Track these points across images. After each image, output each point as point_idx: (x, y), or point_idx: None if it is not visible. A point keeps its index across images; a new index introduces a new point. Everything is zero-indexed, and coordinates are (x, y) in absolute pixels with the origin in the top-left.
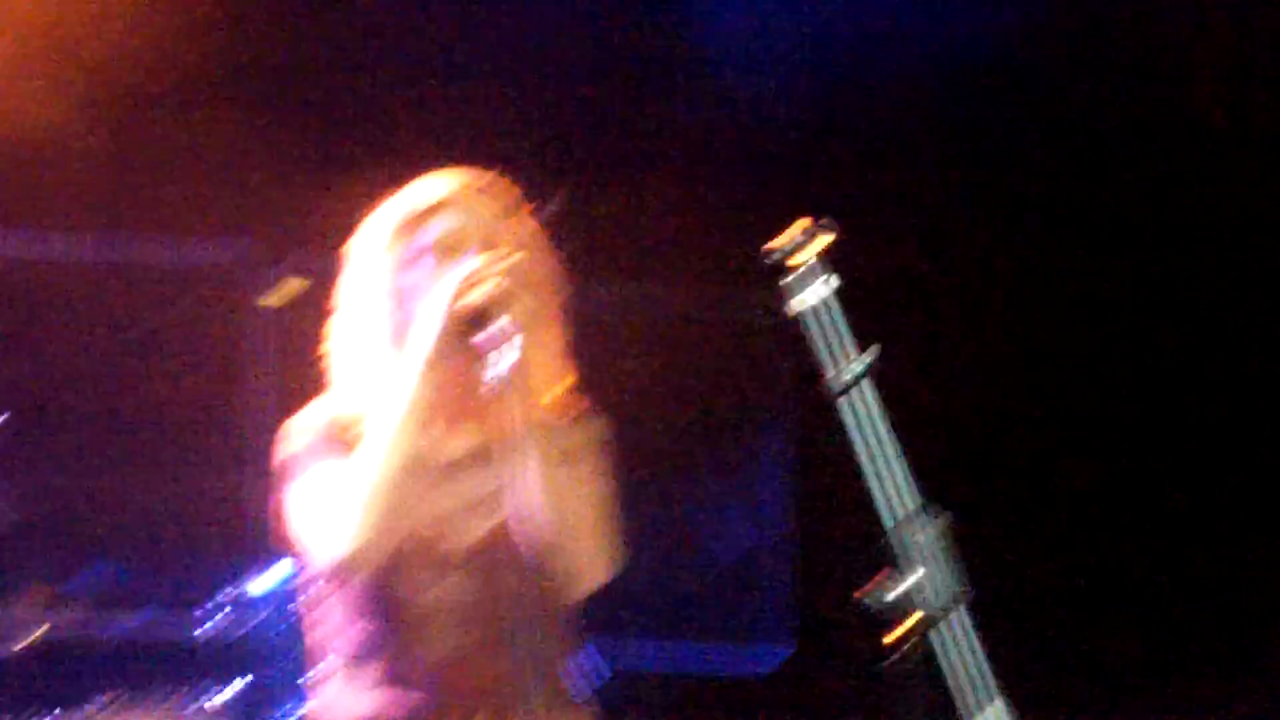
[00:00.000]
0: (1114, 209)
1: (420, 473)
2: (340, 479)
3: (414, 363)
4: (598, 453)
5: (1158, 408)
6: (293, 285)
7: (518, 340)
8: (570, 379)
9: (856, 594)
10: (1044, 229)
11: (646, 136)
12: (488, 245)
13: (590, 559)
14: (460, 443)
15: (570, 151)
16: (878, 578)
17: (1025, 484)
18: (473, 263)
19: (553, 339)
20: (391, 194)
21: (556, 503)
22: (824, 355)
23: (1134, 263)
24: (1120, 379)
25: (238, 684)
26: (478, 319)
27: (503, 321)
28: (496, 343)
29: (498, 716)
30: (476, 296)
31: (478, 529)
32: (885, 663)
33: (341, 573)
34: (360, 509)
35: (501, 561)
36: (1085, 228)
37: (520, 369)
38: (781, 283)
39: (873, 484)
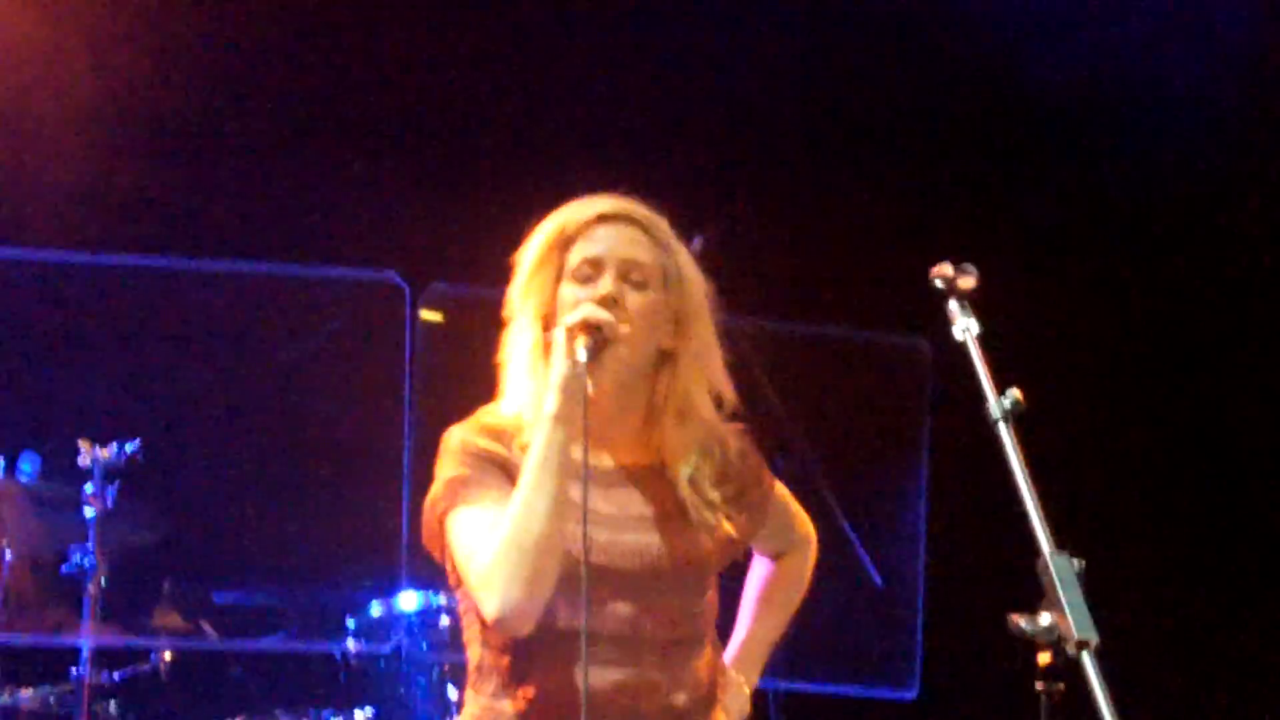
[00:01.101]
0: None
1: (566, 508)
2: (494, 521)
3: (551, 384)
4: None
5: None
6: (436, 312)
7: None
8: (726, 403)
9: (1011, 616)
10: (1187, 273)
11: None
12: (625, 271)
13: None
14: (610, 463)
15: (717, 181)
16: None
17: (1152, 533)
18: (600, 288)
19: (702, 365)
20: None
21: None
22: (981, 386)
23: None
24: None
25: (373, 707)
26: (590, 346)
27: (610, 349)
28: (601, 367)
29: None
30: (590, 321)
31: (632, 549)
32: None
33: (501, 628)
34: (513, 565)
35: (657, 583)
36: (1230, 271)
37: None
38: (950, 310)
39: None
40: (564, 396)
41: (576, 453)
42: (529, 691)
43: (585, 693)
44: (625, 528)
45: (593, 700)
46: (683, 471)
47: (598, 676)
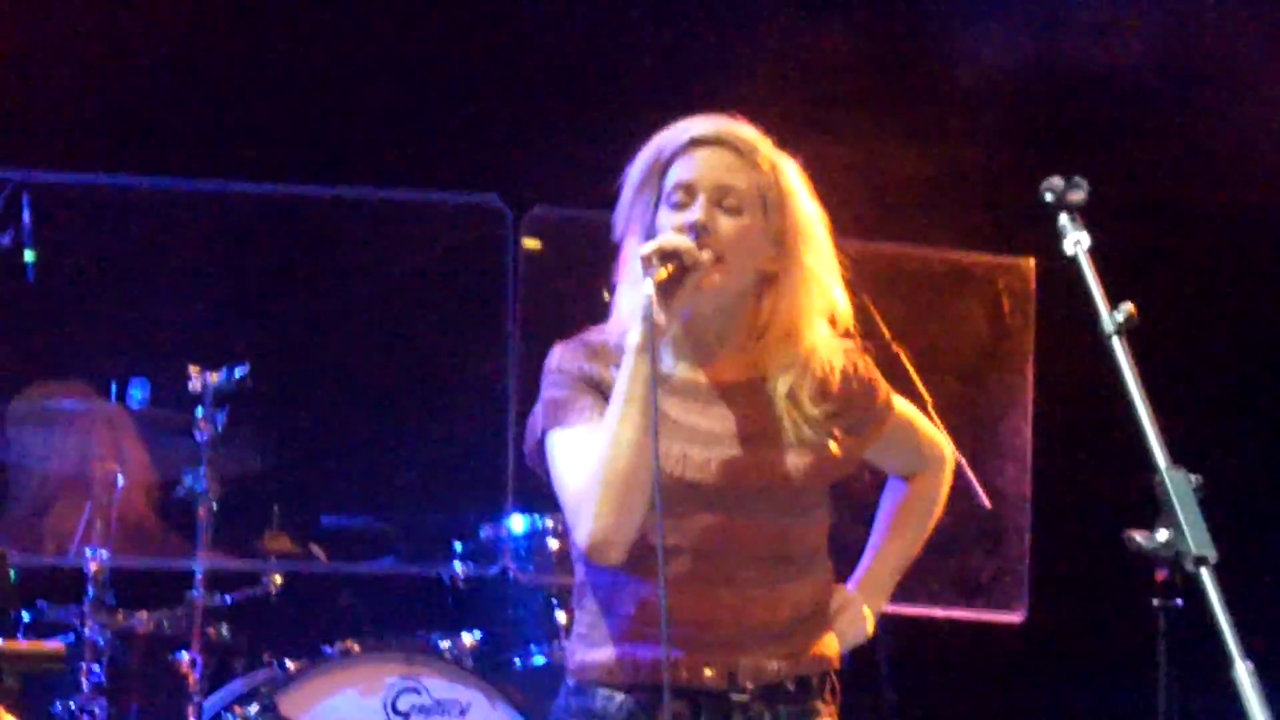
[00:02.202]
0: None
1: (662, 425)
2: (585, 447)
3: (634, 314)
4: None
5: None
6: (536, 240)
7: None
8: (840, 323)
9: (1125, 532)
10: None
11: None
12: (718, 197)
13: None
14: (708, 379)
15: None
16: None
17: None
18: (690, 215)
19: (807, 286)
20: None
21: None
22: (1092, 301)
23: None
24: None
25: (480, 630)
26: (665, 276)
27: (692, 275)
28: (692, 291)
29: (730, 665)
30: (666, 249)
31: (725, 465)
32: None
33: (592, 557)
34: (600, 498)
35: (752, 500)
36: None
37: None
38: (1060, 224)
39: (1144, 430)
40: (646, 326)
41: (677, 369)
42: (627, 607)
43: (664, 612)
44: (719, 444)
45: (688, 616)
46: (780, 388)
47: (692, 593)
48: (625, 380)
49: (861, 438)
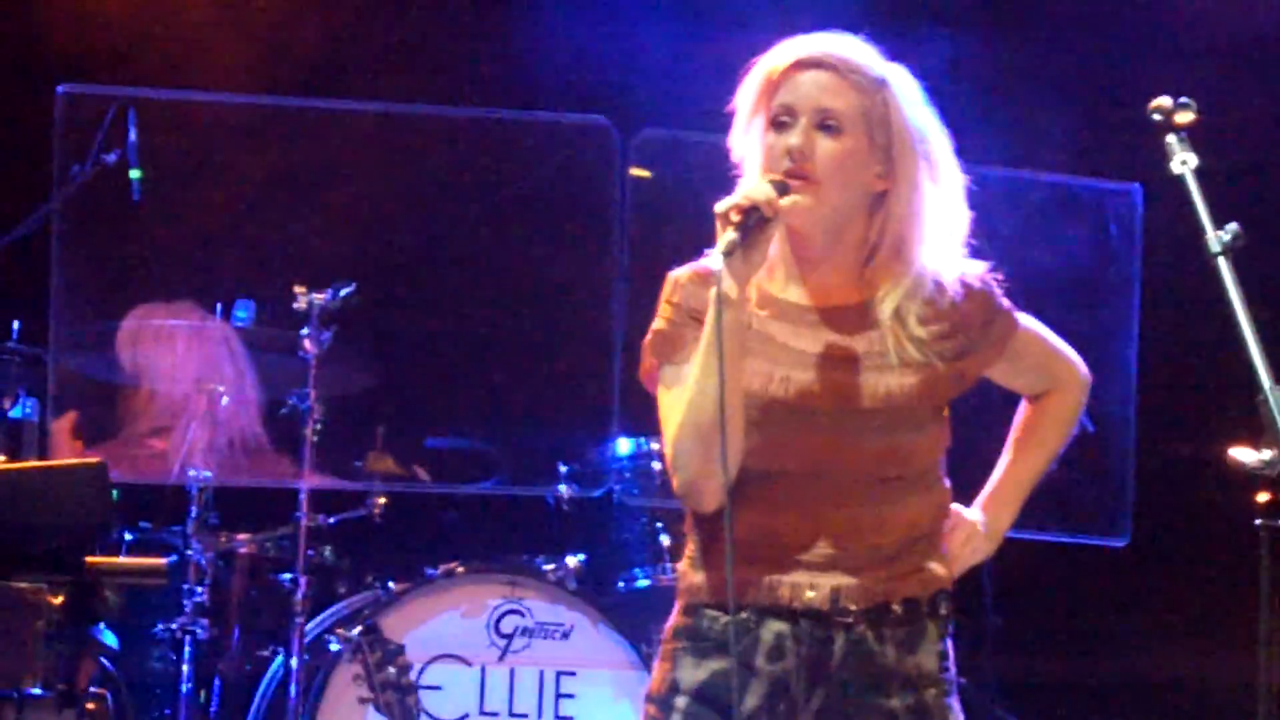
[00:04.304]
0: None
1: (766, 347)
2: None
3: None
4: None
5: None
6: (644, 169)
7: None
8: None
9: (1230, 451)
10: None
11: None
12: (819, 119)
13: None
14: (812, 301)
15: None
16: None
17: None
18: (789, 139)
19: (917, 205)
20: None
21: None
22: (1200, 221)
23: None
24: None
25: (583, 553)
26: (740, 232)
27: (769, 224)
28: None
29: (849, 585)
30: (743, 205)
31: (827, 387)
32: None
33: (688, 504)
34: (688, 448)
35: (854, 421)
36: None
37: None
38: (1168, 144)
39: (1248, 350)
40: (732, 277)
41: (787, 291)
42: (734, 530)
43: (730, 541)
44: (823, 366)
45: (790, 538)
46: (885, 308)
47: (795, 515)
48: (709, 331)
49: (978, 358)
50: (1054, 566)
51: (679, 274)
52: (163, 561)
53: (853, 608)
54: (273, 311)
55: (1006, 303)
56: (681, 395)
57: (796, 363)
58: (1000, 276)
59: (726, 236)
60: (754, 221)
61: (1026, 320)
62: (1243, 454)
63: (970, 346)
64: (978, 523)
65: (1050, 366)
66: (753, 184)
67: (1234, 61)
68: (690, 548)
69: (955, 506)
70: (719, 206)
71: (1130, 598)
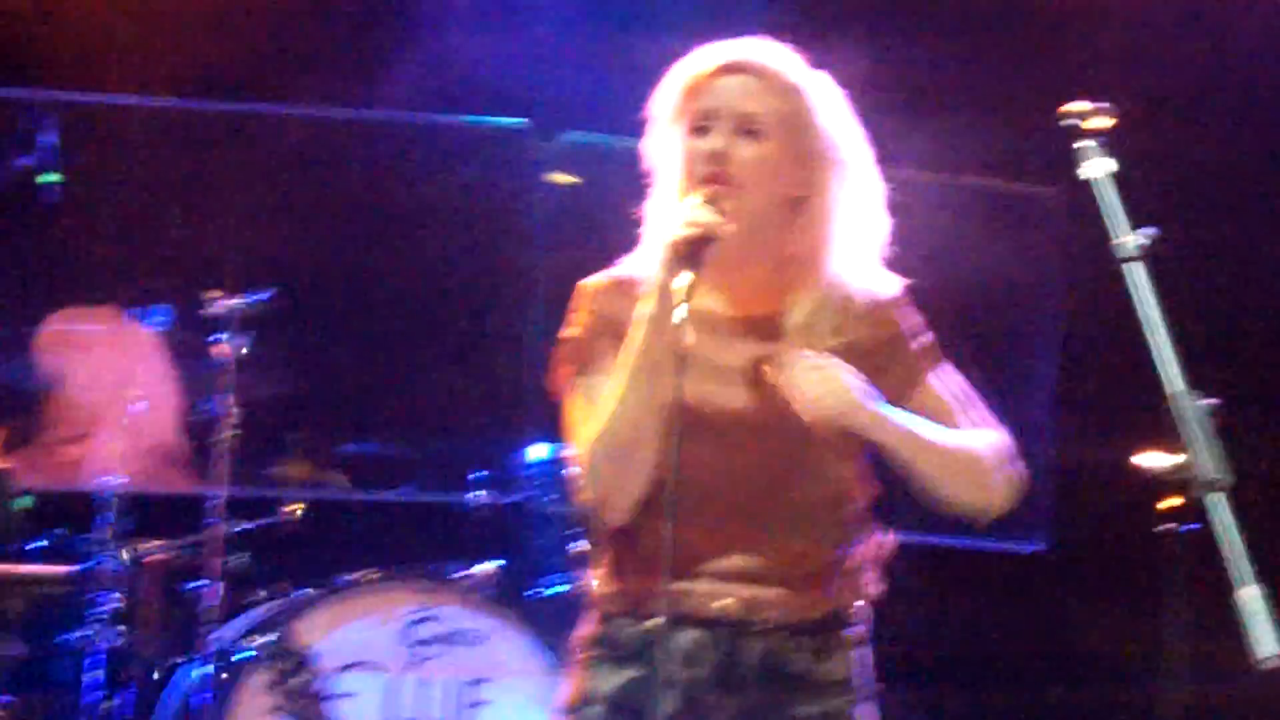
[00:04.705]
0: None
1: (648, 416)
2: (598, 404)
3: (651, 286)
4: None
5: None
6: (566, 174)
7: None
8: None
9: (1136, 457)
10: None
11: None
12: (740, 124)
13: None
14: (729, 311)
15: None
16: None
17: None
18: (709, 143)
19: (836, 212)
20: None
21: (943, 464)
22: (1110, 225)
23: None
24: None
25: (500, 559)
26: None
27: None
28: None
29: (758, 597)
30: (689, 231)
31: (735, 404)
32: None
33: (596, 516)
34: (600, 464)
35: (759, 436)
36: None
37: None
38: (1079, 149)
39: (1158, 355)
40: (660, 298)
41: (697, 298)
42: (645, 539)
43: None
44: (732, 377)
45: (705, 549)
46: (794, 317)
47: (708, 527)
48: (632, 353)
49: (887, 379)
50: (974, 572)
51: (594, 282)
52: (66, 571)
53: (764, 618)
54: (190, 317)
55: (917, 343)
56: (598, 410)
57: (709, 373)
58: (918, 286)
59: (683, 276)
60: (696, 245)
61: (940, 377)
62: (1150, 459)
63: (884, 365)
64: (849, 378)
65: (970, 422)
66: (694, 211)
67: (1154, 65)
68: (602, 556)
69: None
70: (664, 239)
71: (1050, 603)
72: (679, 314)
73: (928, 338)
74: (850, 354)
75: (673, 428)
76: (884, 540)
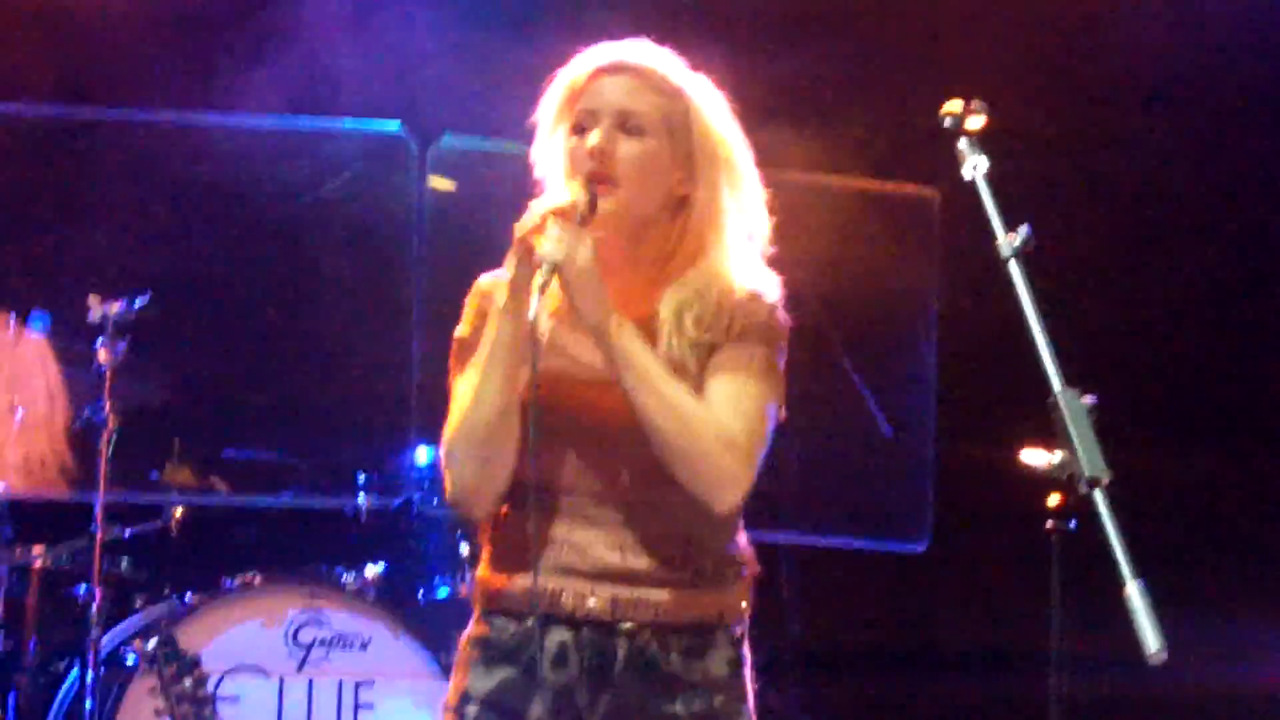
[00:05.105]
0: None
1: (513, 396)
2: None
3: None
4: (752, 358)
5: None
6: (445, 180)
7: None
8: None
9: (1019, 451)
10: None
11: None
12: (620, 121)
13: (713, 482)
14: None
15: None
16: (1028, 449)
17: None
18: (589, 140)
19: (717, 210)
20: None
21: (669, 422)
22: (991, 224)
23: None
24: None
25: (384, 562)
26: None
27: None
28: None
29: (628, 597)
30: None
31: (600, 401)
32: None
33: (458, 508)
34: (461, 453)
35: (637, 434)
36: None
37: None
38: (959, 148)
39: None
40: (511, 292)
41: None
42: (517, 538)
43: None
44: (605, 378)
45: (571, 548)
46: (665, 309)
47: (574, 525)
48: (488, 343)
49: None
50: (855, 572)
51: (485, 281)
52: None
53: (633, 617)
54: (67, 323)
55: (774, 319)
56: (458, 403)
57: (577, 374)
58: (798, 287)
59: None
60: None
61: (743, 355)
62: (1033, 456)
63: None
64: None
65: (719, 393)
66: (561, 192)
67: (1030, 64)
68: (484, 554)
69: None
70: (528, 217)
71: (932, 602)
72: (532, 306)
73: (774, 338)
74: (711, 349)
75: (533, 426)
76: (751, 541)
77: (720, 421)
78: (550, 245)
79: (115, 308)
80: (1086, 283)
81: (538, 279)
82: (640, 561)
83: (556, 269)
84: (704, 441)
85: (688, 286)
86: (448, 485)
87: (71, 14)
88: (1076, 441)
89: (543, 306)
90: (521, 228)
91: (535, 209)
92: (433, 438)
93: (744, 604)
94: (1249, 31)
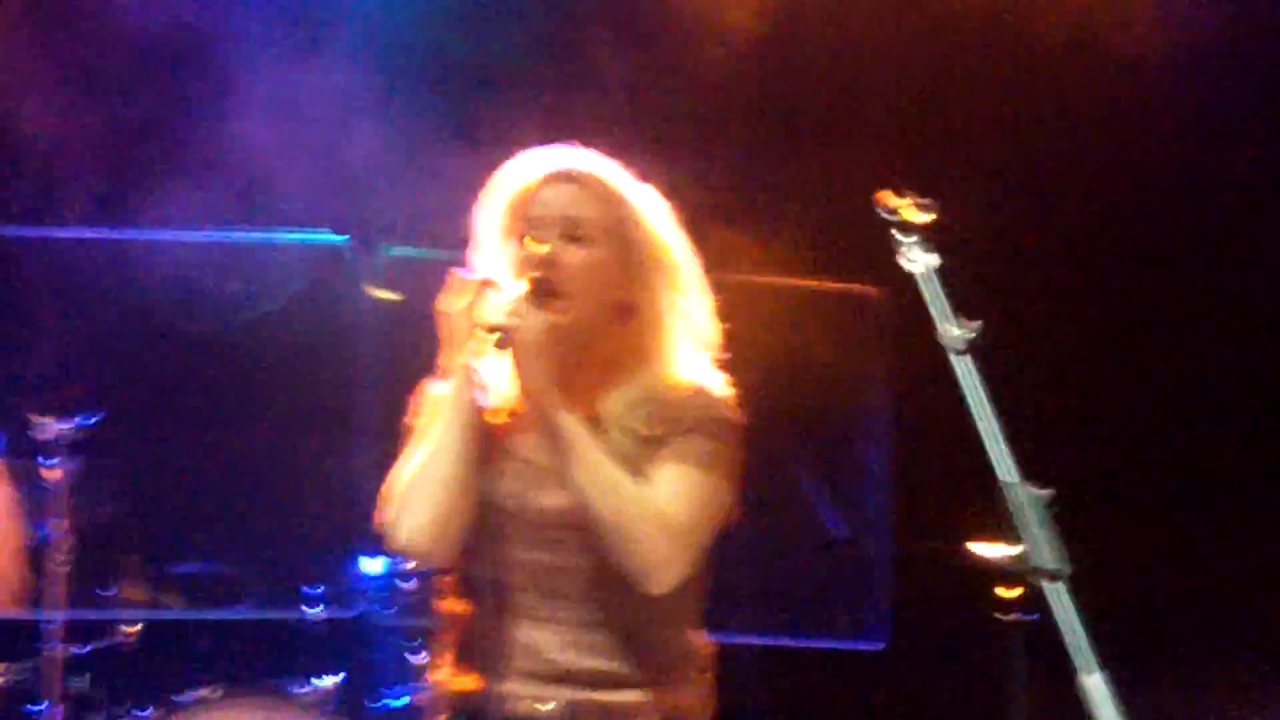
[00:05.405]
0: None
1: (466, 463)
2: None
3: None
4: (696, 449)
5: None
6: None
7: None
8: (709, 354)
9: (968, 544)
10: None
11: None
12: (566, 229)
13: (648, 563)
14: (529, 420)
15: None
16: (984, 544)
17: (1120, 463)
18: (536, 249)
19: (663, 316)
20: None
21: (604, 499)
22: (936, 318)
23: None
24: (1229, 362)
25: (342, 672)
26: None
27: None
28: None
29: (583, 700)
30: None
31: (552, 502)
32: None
33: (406, 553)
34: (407, 506)
35: (587, 533)
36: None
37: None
38: (897, 241)
39: (990, 446)
40: (460, 378)
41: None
42: (469, 641)
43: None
44: (553, 479)
45: (524, 650)
46: (614, 408)
47: (526, 627)
48: (441, 416)
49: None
50: (812, 673)
51: (431, 386)
52: None
53: None
54: (16, 441)
55: (724, 414)
56: (404, 462)
57: (530, 475)
58: (749, 388)
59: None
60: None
61: (708, 444)
62: (985, 549)
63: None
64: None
65: (660, 478)
66: (509, 297)
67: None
68: (439, 658)
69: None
70: (484, 318)
71: (891, 701)
72: (479, 394)
73: (723, 432)
74: (659, 443)
75: (486, 523)
76: (710, 642)
77: (657, 503)
78: (500, 313)
79: (65, 425)
80: (1039, 372)
81: (480, 340)
82: (595, 661)
83: (504, 333)
84: (639, 522)
85: (635, 387)
86: (398, 534)
87: (16, 130)
88: (1032, 534)
89: (492, 397)
90: (455, 299)
91: (461, 281)
92: (381, 548)
93: (704, 704)
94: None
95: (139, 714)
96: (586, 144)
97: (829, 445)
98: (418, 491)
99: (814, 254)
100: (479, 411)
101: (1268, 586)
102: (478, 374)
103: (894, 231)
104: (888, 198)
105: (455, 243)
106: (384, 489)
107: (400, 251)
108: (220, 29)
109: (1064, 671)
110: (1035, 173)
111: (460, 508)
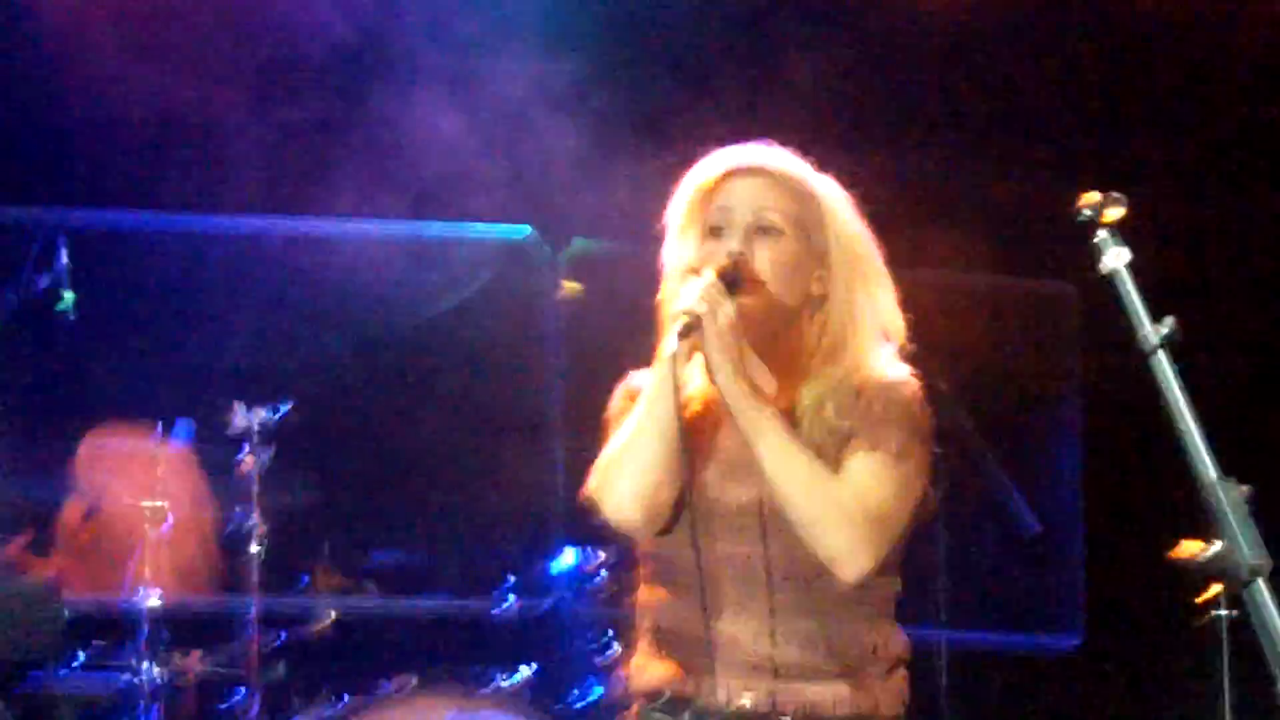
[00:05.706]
0: None
1: (671, 440)
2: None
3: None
4: (888, 440)
5: None
6: (577, 283)
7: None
8: (898, 347)
9: (1169, 554)
10: None
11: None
12: (756, 225)
13: (840, 550)
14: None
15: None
16: (1184, 542)
17: None
18: (726, 245)
19: (854, 308)
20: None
21: (797, 488)
22: (1132, 317)
23: None
24: None
25: (535, 664)
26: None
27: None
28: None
29: (783, 690)
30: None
31: (747, 493)
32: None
33: (616, 526)
34: (613, 475)
35: (777, 525)
36: None
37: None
38: (1093, 241)
39: (1188, 443)
40: (661, 366)
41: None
42: (671, 631)
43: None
44: (749, 470)
45: (727, 640)
46: (807, 398)
47: (730, 618)
48: (642, 402)
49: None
50: (1009, 669)
51: (634, 375)
52: (114, 681)
53: (788, 712)
54: (213, 430)
55: (915, 407)
56: (608, 447)
57: (727, 465)
58: (938, 384)
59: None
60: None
61: (901, 434)
62: (1187, 550)
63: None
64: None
65: (853, 466)
66: (700, 286)
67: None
68: (634, 649)
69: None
70: (676, 308)
71: (1088, 698)
72: (669, 347)
73: (915, 423)
74: (851, 435)
75: (685, 517)
76: (906, 638)
77: (850, 491)
78: (691, 299)
79: (260, 414)
80: (1236, 367)
81: (677, 326)
82: (792, 652)
83: (698, 320)
84: (832, 509)
85: (827, 379)
86: (605, 502)
87: (206, 124)
88: (1233, 530)
89: (690, 372)
90: (664, 290)
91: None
92: (579, 539)
93: (900, 699)
94: None
95: (335, 704)
96: (777, 141)
97: (1019, 442)
98: (624, 464)
99: (1005, 251)
100: (680, 398)
101: None
102: (677, 362)
103: (1093, 230)
104: (1087, 198)
105: (641, 237)
106: (594, 463)
107: (586, 245)
108: (410, 21)
109: (1264, 670)
110: (1227, 166)
111: (665, 482)
